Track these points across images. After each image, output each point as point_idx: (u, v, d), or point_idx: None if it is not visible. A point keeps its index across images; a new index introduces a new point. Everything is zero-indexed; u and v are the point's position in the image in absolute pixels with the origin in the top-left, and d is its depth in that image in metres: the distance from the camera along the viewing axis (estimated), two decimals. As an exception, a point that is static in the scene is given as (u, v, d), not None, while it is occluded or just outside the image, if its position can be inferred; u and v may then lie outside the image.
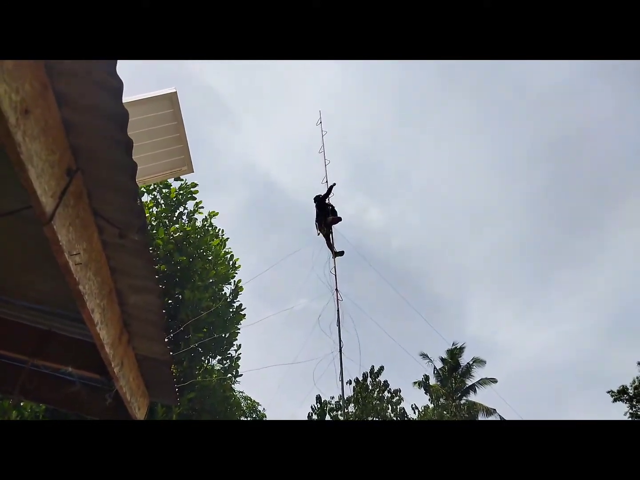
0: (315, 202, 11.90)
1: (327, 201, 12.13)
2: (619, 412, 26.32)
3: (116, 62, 1.64)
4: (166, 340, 2.93)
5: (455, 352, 28.05)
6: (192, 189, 9.56)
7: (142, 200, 1.90)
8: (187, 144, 5.49)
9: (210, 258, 9.95)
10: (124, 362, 2.88)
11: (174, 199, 9.39)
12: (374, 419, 24.33)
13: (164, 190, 9.39)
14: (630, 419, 25.38)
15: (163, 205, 9.29)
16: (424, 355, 28.55)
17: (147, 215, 8.81)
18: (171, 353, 3.23)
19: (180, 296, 9.14)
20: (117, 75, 1.63)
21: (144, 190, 9.14)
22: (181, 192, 9.46)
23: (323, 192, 12.32)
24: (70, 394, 3.35)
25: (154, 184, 9.24)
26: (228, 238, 10.63)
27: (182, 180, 9.52)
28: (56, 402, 3.39)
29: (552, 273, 58.41)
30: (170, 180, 9.41)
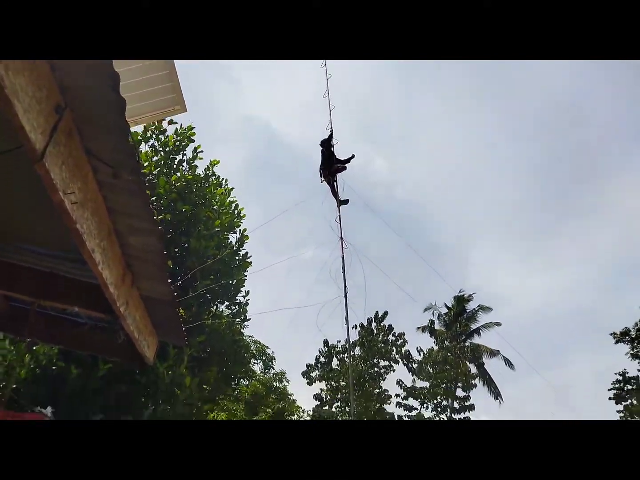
0: (321, 146, 11.71)
1: (332, 149, 11.93)
2: (621, 353, 27.03)
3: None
4: (169, 280, 3.01)
5: (462, 299, 28.52)
6: (188, 132, 9.40)
7: (135, 142, 1.88)
8: (179, 81, 5.29)
9: (215, 207, 9.97)
10: (129, 302, 2.98)
11: (172, 147, 9.27)
12: (379, 361, 25.19)
13: (160, 137, 9.26)
14: (632, 360, 26.07)
15: (162, 153, 9.20)
16: (430, 307, 29.06)
17: (147, 164, 8.77)
18: (175, 294, 3.33)
19: (186, 245, 9.26)
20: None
21: (141, 138, 9.02)
22: (178, 137, 9.33)
23: (329, 139, 12.10)
24: (80, 334, 3.50)
25: (151, 132, 9.10)
26: (233, 188, 10.60)
27: (176, 123, 9.34)
28: (67, 342, 3.55)
29: (557, 223, 58.13)
30: (165, 125, 9.26)
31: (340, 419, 25.37)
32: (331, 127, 11.91)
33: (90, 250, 2.21)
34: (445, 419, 25.40)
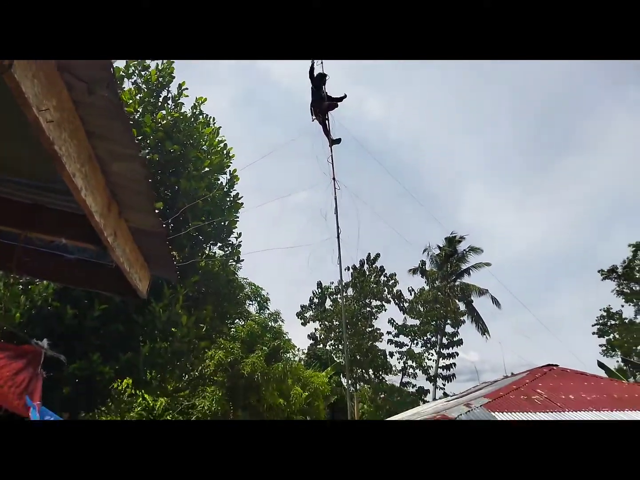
0: (310, 79, 11.31)
1: (324, 87, 11.53)
2: (607, 290, 27.91)
3: None
4: (156, 211, 2.98)
5: (453, 240, 28.88)
6: (169, 69, 8.99)
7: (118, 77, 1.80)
8: None
9: (203, 147, 9.73)
10: (118, 233, 2.95)
11: (155, 83, 8.87)
12: (371, 301, 25.85)
13: (143, 74, 8.83)
14: (621, 298, 26.94)
15: (145, 90, 8.81)
16: (426, 249, 29.38)
17: (131, 101, 8.43)
18: (164, 226, 3.31)
19: (177, 187, 9.13)
20: None
21: (124, 74, 8.60)
22: (161, 73, 8.91)
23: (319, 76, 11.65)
24: (69, 269, 3.50)
25: (134, 67, 8.67)
26: (220, 127, 10.30)
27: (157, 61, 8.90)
28: (57, 277, 3.55)
29: (554, 161, 57.78)
30: (148, 61, 8.80)
31: (334, 356, 26.40)
32: (321, 73, 11.43)
33: (71, 175, 2.15)
34: (435, 354, 26.55)
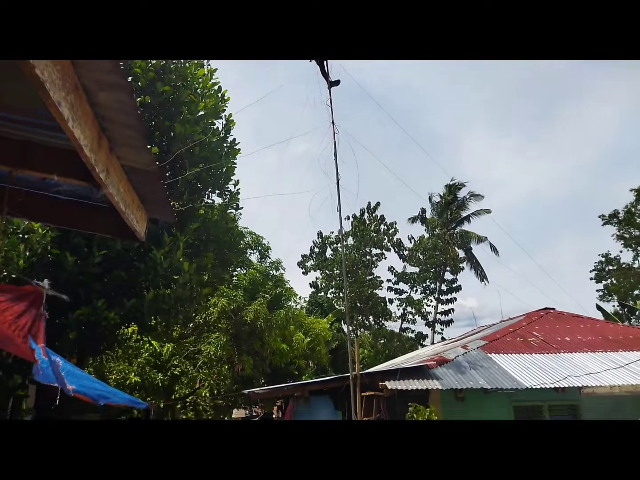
0: None
1: None
2: (608, 234, 28.01)
3: None
4: (149, 147, 2.88)
5: (453, 187, 28.65)
6: None
7: None
8: None
9: (198, 90, 9.40)
10: (110, 170, 2.86)
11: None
12: (371, 249, 26.03)
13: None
14: (619, 242, 27.06)
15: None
16: (429, 197, 29.19)
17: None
18: (158, 163, 3.21)
19: (172, 133, 8.90)
20: None
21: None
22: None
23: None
24: (64, 210, 3.44)
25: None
26: (216, 69, 9.91)
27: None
28: (51, 218, 3.49)
29: (554, 107, 56.22)
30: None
31: (334, 304, 26.94)
32: None
33: (56, 103, 2.04)
34: (434, 300, 27.06)
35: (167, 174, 8.69)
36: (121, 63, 2.12)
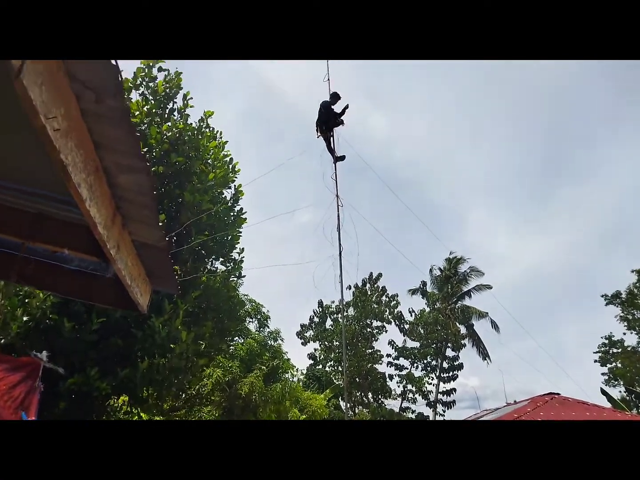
0: (320, 107, 11.38)
1: (333, 109, 11.58)
2: (609, 316, 27.63)
3: None
4: (160, 224, 2.91)
5: (454, 261, 28.76)
6: (177, 79, 9.07)
7: (117, 62, 1.76)
8: None
9: (208, 160, 9.75)
10: (120, 246, 2.88)
11: (163, 94, 8.93)
12: (372, 321, 25.62)
13: (150, 85, 8.90)
14: (620, 322, 26.66)
15: (152, 101, 8.87)
16: (432, 270, 29.27)
17: (138, 113, 8.47)
18: (168, 240, 3.24)
19: (180, 200, 9.10)
20: None
21: (131, 85, 8.67)
22: (168, 85, 8.98)
23: (327, 96, 11.73)
24: (71, 281, 3.43)
25: (141, 78, 8.73)
26: (227, 141, 10.34)
27: (166, 70, 8.98)
28: (57, 288, 3.48)
29: (553, 189, 58.08)
30: (155, 72, 8.88)
31: (333, 378, 26.03)
32: (347, 104, 11.48)
33: (77, 185, 2.10)
34: (435, 378, 26.15)
35: (173, 240, 8.76)
36: (143, 151, 2.20)
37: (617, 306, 27.00)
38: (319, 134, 11.42)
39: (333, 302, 26.93)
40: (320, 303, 27.58)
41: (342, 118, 11.39)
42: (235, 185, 10.22)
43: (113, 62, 1.80)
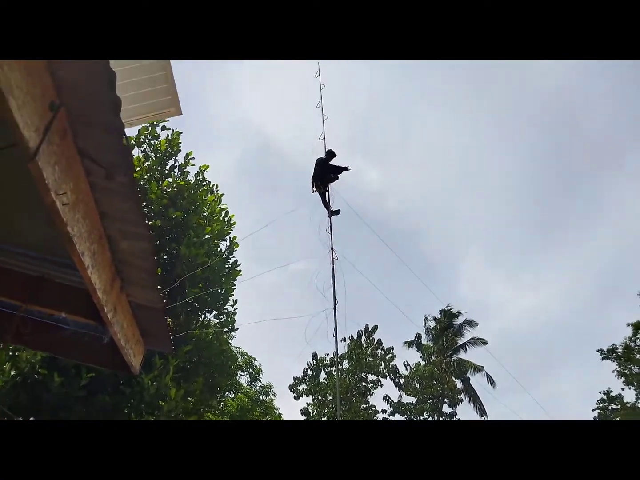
0: (316, 164, 11.69)
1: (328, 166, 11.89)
2: (607, 370, 27.22)
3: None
4: (159, 287, 2.95)
5: (448, 314, 28.58)
6: (177, 138, 9.39)
7: (129, 141, 1.82)
8: (174, 83, 5.24)
9: (205, 214, 9.90)
10: (117, 309, 2.90)
11: (164, 151, 9.22)
12: (367, 375, 25.05)
13: (152, 143, 9.21)
14: (618, 377, 26.26)
15: (153, 157, 9.14)
16: (426, 318, 29.05)
17: (139, 169, 8.70)
18: (164, 302, 3.26)
19: (176, 252, 9.16)
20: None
21: (134, 143, 8.96)
22: (170, 143, 9.29)
23: (321, 153, 12.10)
24: (65, 341, 3.40)
25: (144, 136, 9.05)
26: (223, 194, 10.55)
27: (169, 129, 9.32)
28: (52, 348, 3.45)
29: (546, 237, 58.93)
30: (159, 131, 9.22)
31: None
32: (348, 167, 11.82)
33: (80, 254, 2.15)
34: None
35: (167, 292, 8.73)
36: (147, 222, 2.29)
37: (613, 361, 26.67)
38: (314, 189, 11.67)
39: (327, 354, 26.40)
40: (314, 355, 27.02)
41: (337, 174, 11.67)
42: (230, 238, 10.34)
43: (125, 141, 1.92)
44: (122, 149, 1.90)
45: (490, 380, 26.94)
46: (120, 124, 1.80)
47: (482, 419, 26.41)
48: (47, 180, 1.74)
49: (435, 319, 29.03)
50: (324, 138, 12.57)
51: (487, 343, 27.84)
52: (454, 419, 25.51)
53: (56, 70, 1.73)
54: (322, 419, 25.56)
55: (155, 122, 9.08)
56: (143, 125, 9.00)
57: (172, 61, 5.04)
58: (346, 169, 11.55)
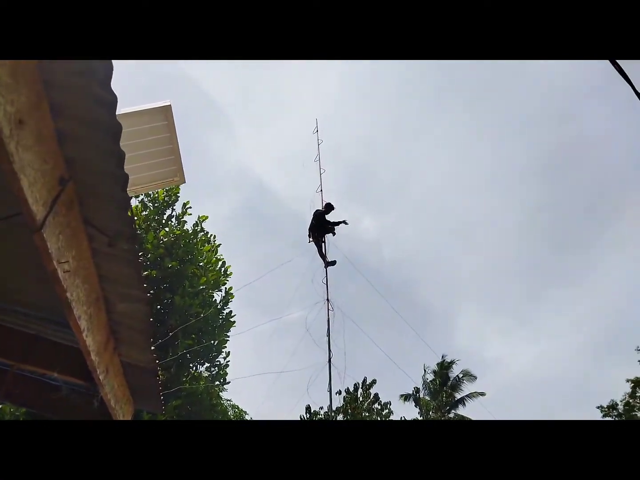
0: (314, 216, 11.86)
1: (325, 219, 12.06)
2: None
3: (111, 77, 1.67)
4: (153, 348, 2.94)
5: (445, 365, 28.05)
6: (175, 190, 9.58)
7: (131, 206, 1.91)
8: (180, 155, 5.54)
9: (201, 264, 9.93)
10: (109, 369, 2.87)
11: (162, 201, 9.38)
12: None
13: (150, 193, 9.39)
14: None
15: (151, 207, 9.28)
16: (424, 369, 28.49)
17: (136, 219, 8.81)
18: (158, 361, 3.23)
19: (169, 301, 9.10)
20: (111, 89, 1.66)
21: (132, 194, 9.13)
22: (169, 194, 9.47)
23: (319, 205, 12.32)
24: (55, 399, 3.33)
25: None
26: (220, 244, 10.64)
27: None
28: (41, 406, 3.38)
29: (542, 291, 58.95)
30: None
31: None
32: (345, 220, 12.04)
33: (77, 318, 2.17)
34: None
35: (159, 342, 8.59)
36: (145, 283, 2.32)
37: (614, 418, 25.96)
38: (310, 239, 11.79)
39: (321, 408, 25.58)
40: (307, 408, 26.19)
41: (334, 227, 11.82)
42: (226, 288, 10.32)
43: (129, 212, 1.99)
44: (126, 219, 1.97)
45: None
46: (127, 197, 1.88)
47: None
48: (50, 250, 1.79)
49: (434, 372, 28.43)
50: (321, 190, 12.87)
51: (485, 395, 27.17)
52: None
53: (67, 146, 1.82)
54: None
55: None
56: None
57: (178, 133, 5.30)
58: (344, 222, 11.73)
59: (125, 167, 1.85)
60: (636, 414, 24.77)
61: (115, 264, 2.22)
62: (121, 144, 1.82)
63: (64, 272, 1.94)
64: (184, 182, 5.89)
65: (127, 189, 1.92)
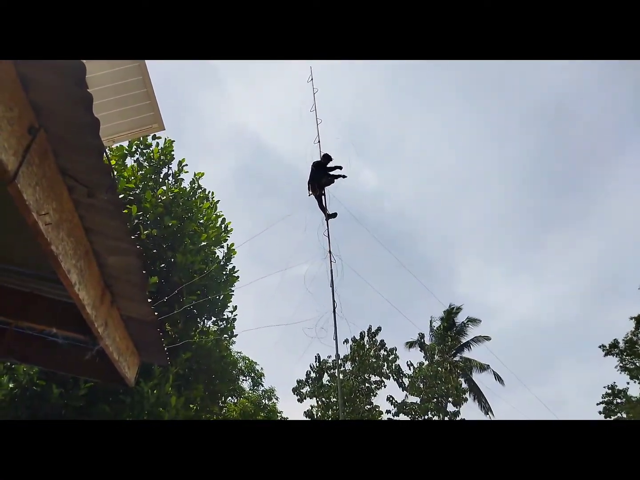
0: (313, 166, 11.71)
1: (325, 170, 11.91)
2: (610, 366, 27.18)
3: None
4: (149, 300, 2.96)
5: (451, 312, 28.58)
6: (169, 147, 9.43)
7: (110, 160, 1.84)
8: (156, 99, 5.23)
9: (201, 221, 9.91)
10: (109, 323, 2.91)
11: (157, 160, 9.25)
12: (370, 376, 25.02)
13: (145, 152, 9.23)
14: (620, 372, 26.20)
15: (147, 166, 9.16)
16: (430, 321, 29.06)
17: (133, 178, 8.71)
18: (157, 314, 3.27)
19: (172, 260, 9.16)
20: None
21: (127, 152, 8.98)
22: (163, 152, 9.32)
23: (317, 156, 12.12)
24: (58, 355, 3.42)
25: (136, 146, 9.07)
26: (219, 200, 10.56)
27: (159, 138, 9.36)
28: (45, 362, 3.46)
29: (542, 236, 58.95)
30: (150, 139, 9.24)
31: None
32: (327, 153, 11.87)
33: (66, 271, 2.16)
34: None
35: (165, 300, 8.74)
36: (134, 236, 2.30)
37: (615, 356, 26.61)
38: (310, 192, 11.69)
39: (329, 356, 26.36)
40: (317, 357, 26.98)
41: (333, 176, 11.68)
42: (227, 245, 10.34)
43: (105, 160, 1.93)
44: (103, 168, 1.91)
45: (498, 377, 26.94)
46: (100, 144, 1.82)
47: (487, 418, 26.36)
48: (27, 202, 1.75)
49: (440, 319, 29.02)
50: (319, 141, 12.63)
51: (490, 339, 27.85)
52: (458, 418, 25.47)
53: (34, 93, 1.74)
54: (327, 419, 25.50)
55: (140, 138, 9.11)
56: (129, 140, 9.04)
57: (155, 68, 5.08)
58: (342, 176, 11.58)
59: (98, 114, 1.78)
60: (639, 350, 25.33)
61: (99, 216, 2.19)
62: (91, 89, 1.73)
63: (45, 224, 1.91)
64: (163, 129, 5.71)
65: (102, 136, 1.86)
